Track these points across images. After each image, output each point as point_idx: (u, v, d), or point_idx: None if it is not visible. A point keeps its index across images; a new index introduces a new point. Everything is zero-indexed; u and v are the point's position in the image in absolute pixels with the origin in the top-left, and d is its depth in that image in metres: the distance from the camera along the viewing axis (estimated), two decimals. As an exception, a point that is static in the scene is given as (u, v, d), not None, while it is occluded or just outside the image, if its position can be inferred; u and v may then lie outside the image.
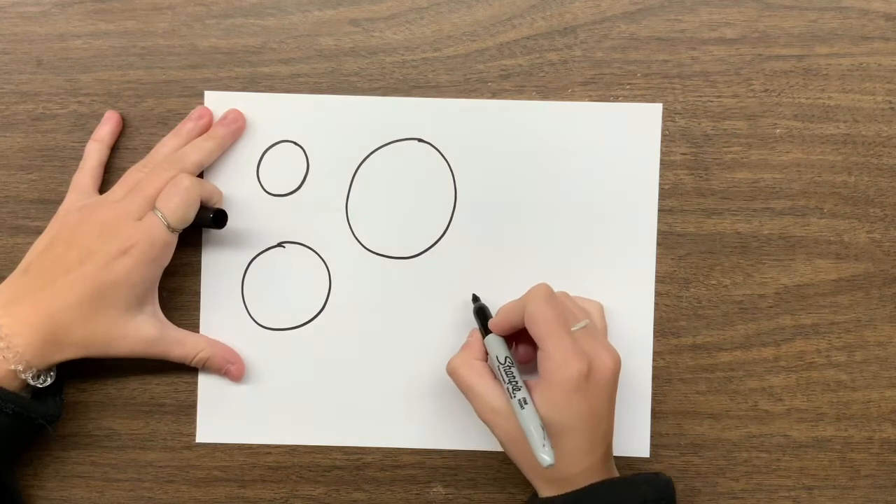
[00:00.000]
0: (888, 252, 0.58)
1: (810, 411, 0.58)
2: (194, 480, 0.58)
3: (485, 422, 0.52)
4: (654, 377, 0.58)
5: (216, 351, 0.57)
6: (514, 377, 0.51)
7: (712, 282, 0.58)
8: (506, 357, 0.52)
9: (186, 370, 0.58)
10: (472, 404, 0.52)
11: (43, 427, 0.53)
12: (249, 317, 0.58)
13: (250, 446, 0.58)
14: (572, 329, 0.51)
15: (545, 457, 0.48)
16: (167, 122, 0.58)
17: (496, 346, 0.53)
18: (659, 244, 0.58)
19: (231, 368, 0.57)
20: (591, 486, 0.50)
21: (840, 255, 0.58)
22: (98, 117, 0.58)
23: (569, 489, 0.51)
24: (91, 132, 0.58)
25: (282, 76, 0.58)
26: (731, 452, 0.58)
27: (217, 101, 0.58)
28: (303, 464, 0.58)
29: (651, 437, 0.58)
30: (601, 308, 0.56)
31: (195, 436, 0.58)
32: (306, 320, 0.58)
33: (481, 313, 0.56)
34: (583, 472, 0.51)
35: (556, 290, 0.53)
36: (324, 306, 0.58)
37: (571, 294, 0.55)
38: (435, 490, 0.58)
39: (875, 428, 0.58)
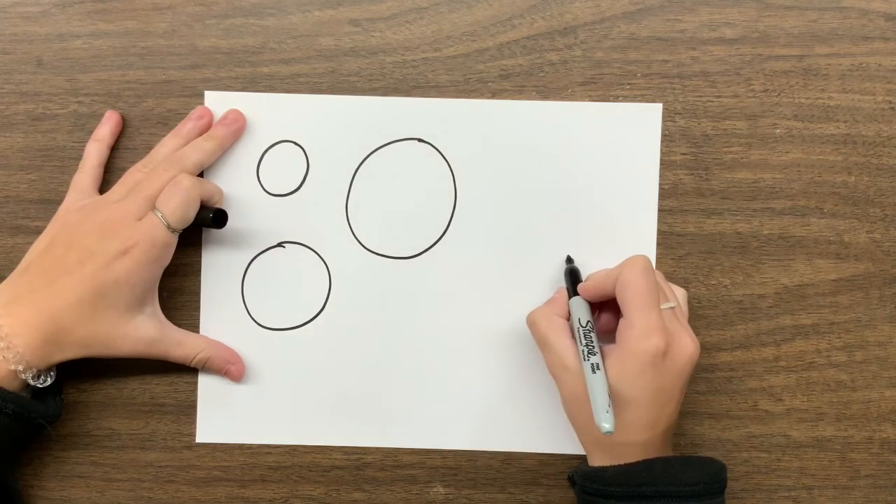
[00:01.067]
0: (888, 252, 0.58)
1: (810, 411, 0.58)
2: (194, 480, 0.58)
3: (554, 376, 0.53)
4: (654, 377, 0.58)
5: (216, 351, 0.57)
6: (592, 341, 0.51)
7: (712, 282, 0.58)
8: (588, 321, 0.52)
9: (186, 370, 0.58)
10: (545, 357, 0.53)
11: (43, 427, 0.53)
12: (249, 317, 0.58)
13: (250, 446, 0.58)
14: (661, 307, 0.51)
15: (605, 424, 0.48)
16: (167, 122, 0.58)
17: (580, 308, 0.53)
18: (659, 244, 0.58)
19: (231, 369, 0.57)
20: (646, 461, 0.50)
21: (840, 255, 0.58)
22: (98, 117, 0.58)
23: (621, 461, 0.51)
24: (91, 132, 0.58)
25: (282, 76, 0.58)
26: (731, 452, 0.58)
27: (217, 101, 0.58)
28: (303, 464, 0.58)
29: (651, 437, 0.58)
30: (686, 295, 0.56)
31: (195, 436, 0.58)
32: (306, 320, 0.58)
33: (572, 275, 0.56)
34: (639, 446, 0.51)
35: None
36: (324, 306, 0.58)
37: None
38: (435, 490, 0.58)
39: (875, 428, 0.58)
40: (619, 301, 0.51)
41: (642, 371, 0.50)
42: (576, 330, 0.53)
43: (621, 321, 0.51)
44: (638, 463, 0.51)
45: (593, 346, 0.51)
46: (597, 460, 0.53)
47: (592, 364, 0.50)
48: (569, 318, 0.54)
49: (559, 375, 0.53)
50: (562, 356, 0.52)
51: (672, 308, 0.52)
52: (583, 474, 0.53)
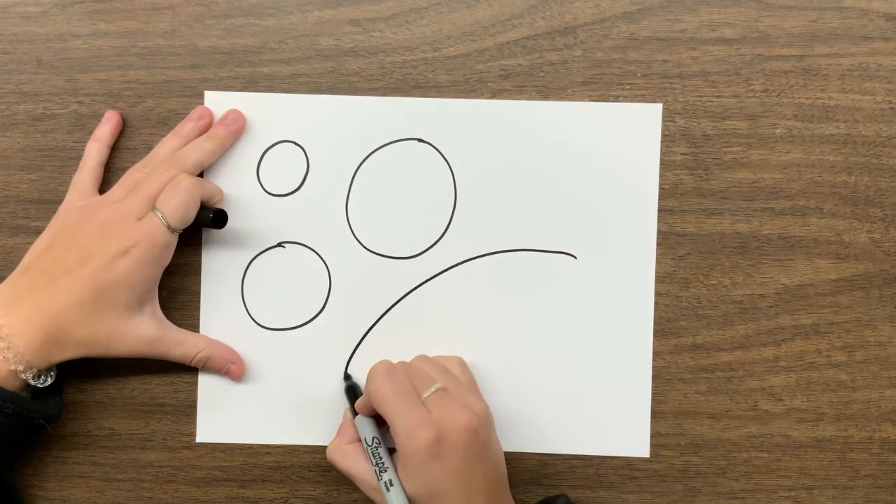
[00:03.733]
0: (888, 252, 0.58)
1: (810, 411, 0.58)
2: (194, 480, 0.58)
3: (371, 499, 0.53)
4: (654, 377, 0.58)
5: (216, 351, 0.57)
6: (381, 458, 0.52)
7: (712, 282, 0.58)
8: (373, 438, 0.53)
9: (186, 370, 0.58)
10: (357, 484, 0.53)
11: (43, 427, 0.53)
12: (249, 317, 0.58)
13: (250, 446, 0.58)
14: (424, 396, 0.51)
15: None
16: (167, 122, 0.58)
17: (364, 427, 0.54)
18: (659, 244, 0.58)
19: (231, 368, 0.57)
20: None
21: (840, 255, 0.58)
22: (98, 117, 0.58)
23: None
24: (91, 132, 0.58)
25: (282, 76, 0.58)
26: (731, 452, 0.58)
27: (217, 101, 0.58)
28: (303, 464, 0.58)
29: (651, 437, 0.58)
30: (461, 362, 0.56)
31: (195, 436, 0.58)
32: (306, 320, 0.58)
33: (351, 393, 0.56)
34: None
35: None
36: (324, 306, 0.58)
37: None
38: (435, 490, 0.58)
39: (875, 428, 0.58)
40: (378, 411, 0.52)
41: (425, 468, 0.49)
42: (367, 450, 0.53)
43: (390, 428, 0.51)
44: None
45: (383, 463, 0.51)
46: None
47: (386, 482, 0.51)
48: (359, 439, 0.54)
49: (375, 498, 0.52)
50: (366, 482, 0.52)
51: (437, 390, 0.51)
52: None
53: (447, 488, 0.50)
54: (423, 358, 0.55)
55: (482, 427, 0.51)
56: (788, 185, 0.58)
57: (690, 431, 0.58)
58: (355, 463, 0.53)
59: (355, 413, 0.55)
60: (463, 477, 0.50)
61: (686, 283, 0.58)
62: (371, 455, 0.52)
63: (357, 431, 0.54)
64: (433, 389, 0.51)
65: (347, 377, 0.57)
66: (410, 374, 0.53)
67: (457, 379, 0.54)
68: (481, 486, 0.50)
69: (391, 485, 0.50)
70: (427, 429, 0.49)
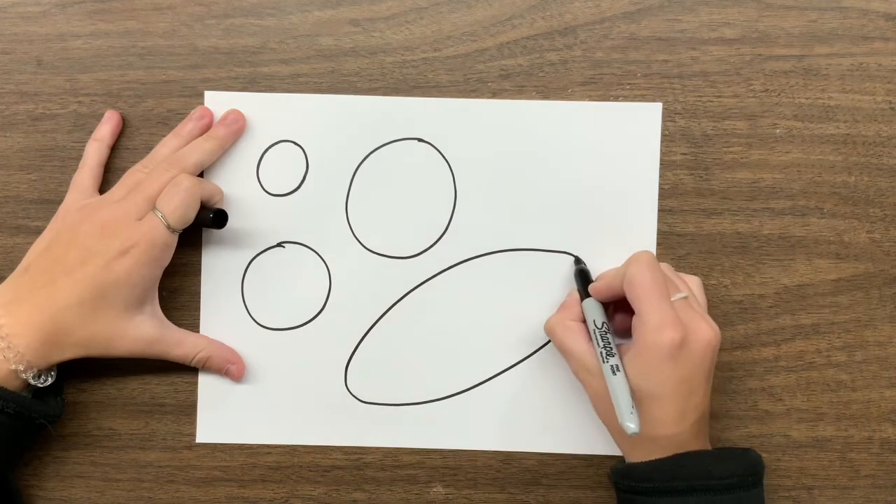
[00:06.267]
0: (888, 252, 0.58)
1: (810, 411, 0.58)
2: (194, 480, 0.58)
3: (578, 379, 0.53)
4: (654, 377, 0.58)
5: (216, 351, 0.57)
6: (609, 342, 0.51)
7: (712, 282, 0.58)
8: (602, 322, 0.52)
9: (186, 370, 0.58)
10: (567, 362, 0.54)
11: (44, 427, 0.53)
12: (249, 317, 0.58)
13: (250, 446, 0.58)
14: (672, 299, 0.51)
15: (630, 424, 0.48)
16: (167, 122, 0.58)
17: (593, 310, 0.53)
18: (659, 244, 0.58)
19: (231, 368, 0.57)
20: (676, 456, 0.50)
21: (840, 255, 0.58)
22: (98, 117, 0.58)
23: (653, 456, 0.51)
24: (91, 132, 0.58)
25: (282, 76, 0.58)
26: (731, 452, 0.58)
27: (217, 101, 0.58)
28: (303, 464, 0.58)
29: (651, 437, 0.58)
30: (700, 283, 0.56)
31: (195, 436, 0.58)
32: (306, 320, 0.58)
33: (582, 276, 0.56)
34: (670, 440, 0.51)
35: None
36: (324, 306, 0.58)
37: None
38: (435, 490, 0.58)
39: (875, 428, 0.58)
40: (629, 298, 0.51)
41: (661, 365, 0.50)
42: (592, 332, 0.53)
43: (635, 318, 0.51)
44: (669, 458, 0.51)
45: (611, 348, 0.51)
46: (631, 457, 0.53)
47: (612, 366, 0.50)
48: (584, 321, 0.54)
49: (583, 379, 0.53)
50: (582, 360, 0.53)
51: (684, 298, 0.52)
52: (617, 472, 0.53)
53: (668, 392, 0.50)
54: (669, 266, 0.55)
55: (717, 349, 0.51)
56: (788, 185, 0.58)
57: (690, 431, 0.58)
58: (576, 340, 0.53)
59: (585, 295, 0.54)
60: (687, 388, 0.50)
61: (686, 283, 0.58)
62: (598, 338, 0.52)
63: (583, 313, 0.54)
64: (681, 296, 0.52)
65: (578, 261, 0.57)
66: (661, 272, 0.52)
67: (696, 297, 0.54)
68: (697, 405, 0.51)
69: (617, 369, 0.50)
70: (675, 329, 0.49)
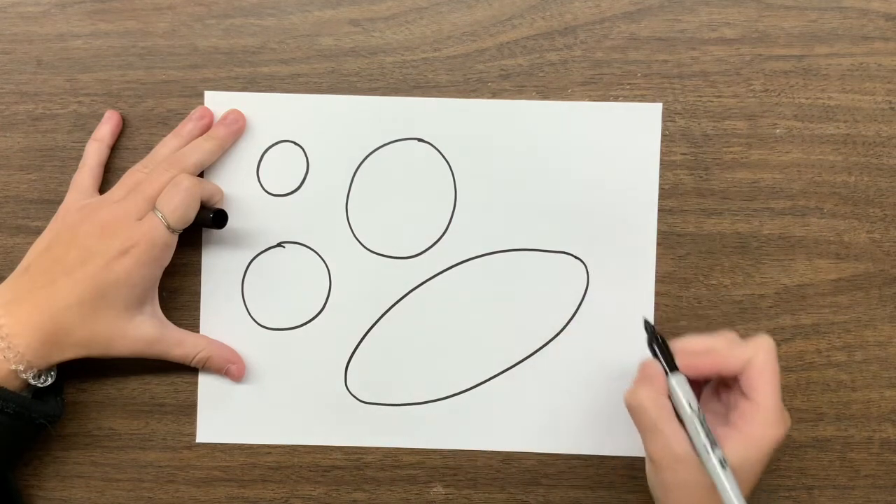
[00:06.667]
0: (888, 252, 0.58)
1: (810, 411, 0.58)
2: (194, 480, 0.58)
3: (658, 465, 0.49)
4: (654, 377, 0.58)
5: (216, 351, 0.57)
6: (710, 430, 0.48)
7: (712, 282, 0.58)
8: (699, 406, 0.49)
9: (186, 370, 0.58)
10: (649, 443, 0.49)
11: (44, 427, 0.53)
12: (249, 317, 0.58)
13: (250, 446, 0.58)
14: None
15: None
16: (167, 122, 0.58)
17: (687, 389, 0.49)
18: (659, 244, 0.58)
19: (231, 368, 0.57)
20: None
21: (840, 255, 0.58)
22: (98, 117, 0.58)
23: None
24: (91, 132, 0.58)
25: (282, 76, 0.58)
26: (731, 452, 0.58)
27: (217, 102, 0.58)
28: (303, 464, 0.58)
29: (651, 437, 0.58)
30: (774, 347, 0.51)
31: (195, 436, 0.58)
32: (306, 320, 0.58)
33: (664, 347, 0.51)
34: None
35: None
36: (324, 306, 0.58)
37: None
38: (435, 490, 0.58)
39: (875, 428, 0.58)
40: (749, 384, 0.49)
41: (765, 458, 0.48)
42: (685, 415, 0.49)
43: (747, 404, 0.49)
44: None
45: (713, 437, 0.48)
46: None
47: (720, 459, 0.47)
48: (668, 396, 0.50)
49: (669, 466, 0.48)
50: (672, 444, 0.48)
51: None
52: None
53: (755, 480, 0.49)
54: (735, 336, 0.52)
55: None
56: (788, 185, 0.58)
57: (690, 431, 0.58)
58: (668, 421, 0.48)
59: (670, 369, 0.50)
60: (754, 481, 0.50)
61: (686, 283, 0.58)
62: (698, 424, 0.48)
63: (674, 391, 0.49)
64: None
65: (650, 327, 0.51)
66: None
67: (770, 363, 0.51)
68: None
69: (725, 463, 0.47)
70: (786, 421, 0.49)
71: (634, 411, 0.50)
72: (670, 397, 0.49)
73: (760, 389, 0.49)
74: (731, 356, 0.50)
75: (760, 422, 0.49)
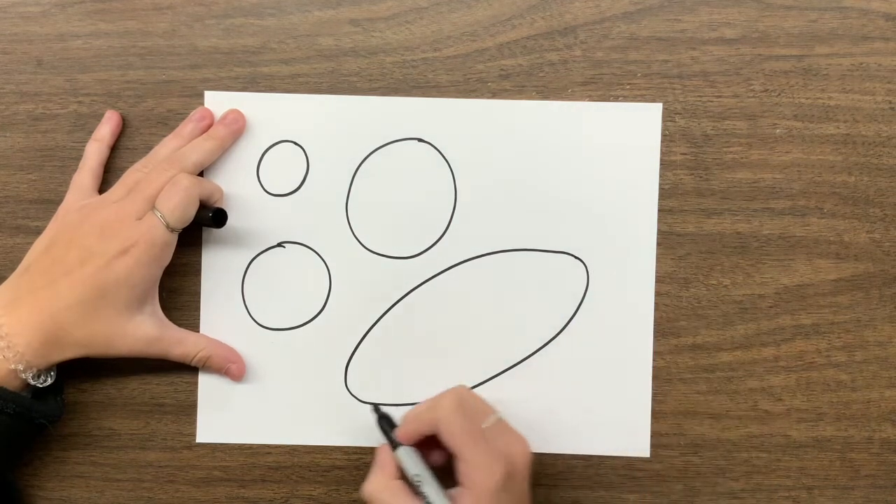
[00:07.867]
0: (888, 252, 0.58)
1: (810, 411, 0.58)
2: (194, 480, 0.58)
3: None
4: (654, 377, 0.58)
5: (216, 350, 0.57)
6: (438, 490, 0.51)
7: (712, 282, 0.58)
8: (424, 469, 0.52)
9: (186, 370, 0.58)
10: None
11: (44, 427, 0.53)
12: (249, 317, 0.58)
13: (250, 446, 0.58)
14: (483, 427, 0.51)
15: None
16: (167, 122, 0.58)
17: (410, 459, 0.52)
18: (659, 244, 0.58)
19: (231, 368, 0.57)
20: None
21: (840, 255, 0.58)
22: (98, 117, 0.58)
23: None
24: (91, 132, 0.58)
25: (282, 76, 0.58)
26: (731, 452, 0.58)
27: (217, 102, 0.58)
28: (303, 464, 0.58)
29: (651, 437, 0.58)
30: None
31: (195, 436, 0.58)
32: (306, 320, 0.58)
33: (386, 423, 0.54)
34: None
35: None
36: (324, 306, 0.58)
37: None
38: (435, 490, 0.58)
39: (875, 428, 0.58)
40: (449, 446, 0.51)
41: (496, 501, 0.49)
42: (415, 484, 0.51)
43: (459, 462, 0.50)
44: None
45: (445, 500, 0.50)
46: None
47: None
48: (401, 475, 0.52)
49: None
50: None
51: (496, 421, 0.52)
52: None
53: None
54: (469, 392, 0.54)
55: (531, 453, 0.52)
56: (788, 185, 0.58)
57: (690, 431, 0.58)
58: (403, 500, 0.51)
59: (394, 445, 0.53)
60: (526, 500, 0.51)
61: (686, 283, 0.58)
62: (427, 491, 0.51)
63: (401, 464, 0.52)
64: (492, 420, 0.52)
65: (377, 408, 0.55)
66: (468, 407, 0.52)
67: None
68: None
69: None
70: (501, 462, 0.50)
71: (370, 502, 0.52)
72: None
73: (453, 445, 0.50)
74: (425, 421, 0.52)
75: (471, 473, 0.50)
